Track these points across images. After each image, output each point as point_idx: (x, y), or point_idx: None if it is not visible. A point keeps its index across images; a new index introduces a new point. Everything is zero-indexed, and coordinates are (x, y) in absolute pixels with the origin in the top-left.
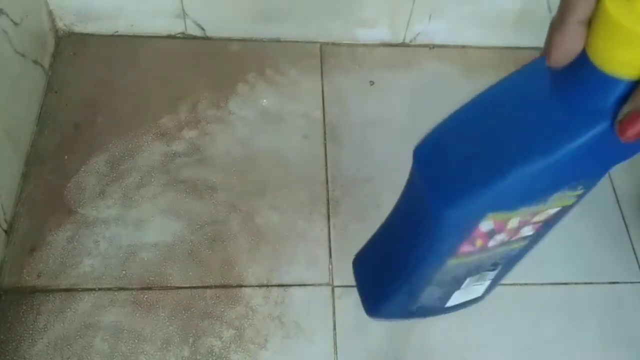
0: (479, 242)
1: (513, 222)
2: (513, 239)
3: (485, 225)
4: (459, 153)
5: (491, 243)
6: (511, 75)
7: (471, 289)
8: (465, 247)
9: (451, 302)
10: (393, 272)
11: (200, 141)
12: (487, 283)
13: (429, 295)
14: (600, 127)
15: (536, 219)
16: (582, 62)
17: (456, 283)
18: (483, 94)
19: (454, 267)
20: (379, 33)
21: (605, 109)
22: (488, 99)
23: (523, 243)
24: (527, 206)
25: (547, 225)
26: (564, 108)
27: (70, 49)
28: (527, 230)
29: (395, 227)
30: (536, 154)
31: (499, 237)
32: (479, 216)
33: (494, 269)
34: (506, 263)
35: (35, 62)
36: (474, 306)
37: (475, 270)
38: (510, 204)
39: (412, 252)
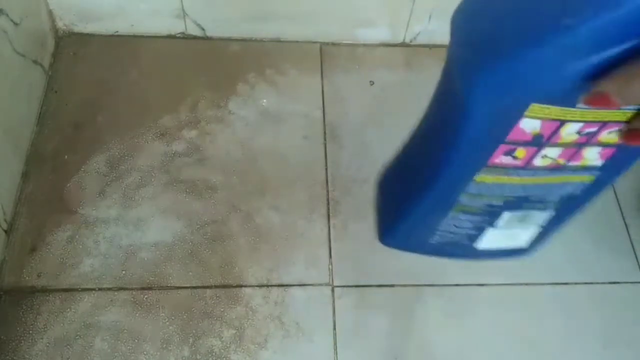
0: (520, 153)
1: (570, 130)
2: (572, 162)
3: (529, 124)
4: (500, 14)
5: (539, 161)
6: None
7: (512, 233)
8: (502, 158)
9: (484, 244)
10: (414, 186)
11: (200, 141)
12: (533, 229)
13: (455, 224)
14: None
15: (604, 137)
16: None
17: (490, 215)
18: None
19: (487, 188)
20: (379, 33)
21: None
22: None
23: (587, 177)
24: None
25: (621, 156)
26: None
27: (70, 49)
28: (593, 156)
29: (421, 133)
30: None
31: (551, 153)
32: (520, 104)
33: (543, 209)
34: (563, 207)
35: (35, 62)
36: (474, 306)
37: (517, 204)
38: (563, 92)
39: (437, 158)
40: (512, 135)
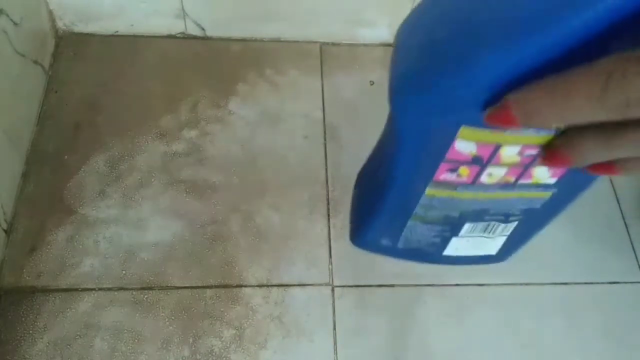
0: (464, 171)
1: (509, 152)
2: (523, 180)
3: (464, 145)
4: (433, 34)
5: (486, 179)
6: None
7: (478, 241)
8: (447, 175)
9: (451, 251)
10: (375, 192)
11: (200, 141)
12: (500, 239)
13: (417, 233)
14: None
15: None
16: None
17: (451, 226)
18: None
19: (440, 202)
20: (379, 33)
21: None
22: None
23: (544, 194)
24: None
25: (574, 175)
26: None
27: (70, 49)
28: (544, 175)
29: (379, 140)
30: (521, 32)
31: (497, 172)
32: (449, 126)
33: (506, 221)
34: (527, 218)
35: (35, 62)
36: (474, 306)
37: (477, 216)
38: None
39: (386, 169)
40: (450, 155)
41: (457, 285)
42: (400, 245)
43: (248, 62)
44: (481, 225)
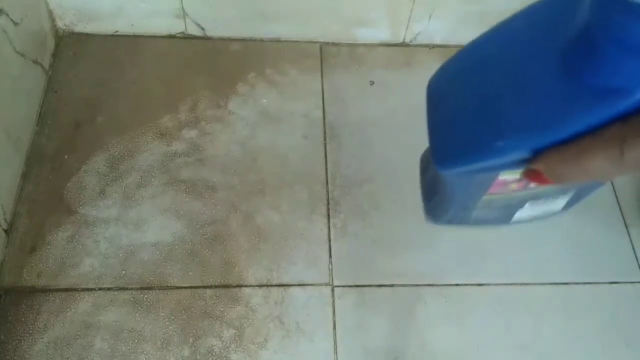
0: (513, 186)
1: None
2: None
3: (508, 176)
4: (461, 108)
5: (533, 186)
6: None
7: (542, 208)
8: (498, 190)
9: (517, 218)
10: (437, 196)
11: (200, 141)
12: (563, 200)
13: (484, 215)
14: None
15: None
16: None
17: (514, 207)
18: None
19: (499, 200)
20: (379, 33)
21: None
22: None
23: None
24: None
25: None
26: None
27: (70, 49)
28: None
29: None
30: (541, 127)
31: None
32: (490, 175)
33: (564, 193)
34: (581, 188)
35: (35, 62)
36: (474, 306)
37: (535, 197)
38: (521, 164)
39: (443, 190)
40: (497, 183)
41: (457, 285)
42: (472, 222)
43: (248, 62)
44: (541, 201)
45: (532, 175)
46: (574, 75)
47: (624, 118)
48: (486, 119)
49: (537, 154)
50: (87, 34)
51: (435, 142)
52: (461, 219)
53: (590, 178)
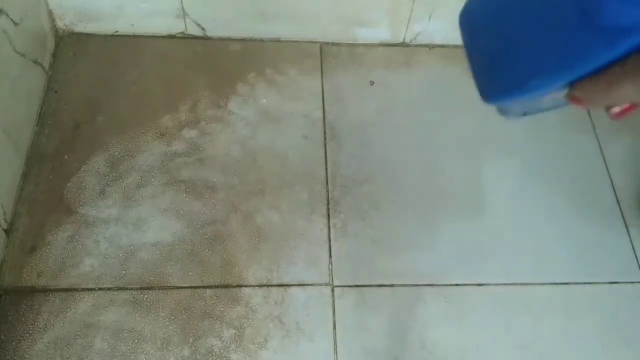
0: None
1: None
2: None
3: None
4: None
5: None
6: None
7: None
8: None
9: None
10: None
11: (200, 141)
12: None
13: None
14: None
15: None
16: None
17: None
18: None
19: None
20: (379, 33)
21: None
22: None
23: None
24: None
25: None
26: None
27: (70, 49)
28: None
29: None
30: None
31: None
32: (535, 97)
33: None
34: None
35: (35, 62)
36: (474, 306)
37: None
38: (562, 88)
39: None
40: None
41: (457, 285)
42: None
43: (248, 62)
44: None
45: (571, 99)
46: (591, 15)
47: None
48: (519, 57)
49: (574, 83)
50: (87, 34)
51: (478, 78)
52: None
53: (621, 102)
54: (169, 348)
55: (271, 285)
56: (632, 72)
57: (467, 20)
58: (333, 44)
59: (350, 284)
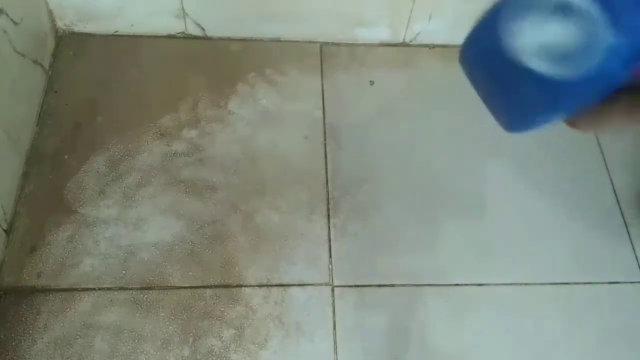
0: None
1: None
2: None
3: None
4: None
5: None
6: None
7: None
8: None
9: None
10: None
11: (200, 141)
12: None
13: None
14: None
15: None
16: None
17: None
18: None
19: None
20: (379, 33)
21: None
22: None
23: None
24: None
25: None
26: None
27: (70, 49)
28: None
29: None
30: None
31: None
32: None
33: None
34: None
35: (35, 62)
36: (474, 306)
37: None
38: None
39: None
40: None
41: (457, 285)
42: None
43: (248, 62)
44: None
45: (570, 126)
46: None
47: (627, 90)
48: (520, 101)
49: (571, 117)
50: (87, 34)
51: (493, 112)
52: None
53: (611, 129)
54: (169, 348)
55: (271, 285)
56: (620, 112)
57: (466, 64)
58: (333, 44)
59: (350, 284)
